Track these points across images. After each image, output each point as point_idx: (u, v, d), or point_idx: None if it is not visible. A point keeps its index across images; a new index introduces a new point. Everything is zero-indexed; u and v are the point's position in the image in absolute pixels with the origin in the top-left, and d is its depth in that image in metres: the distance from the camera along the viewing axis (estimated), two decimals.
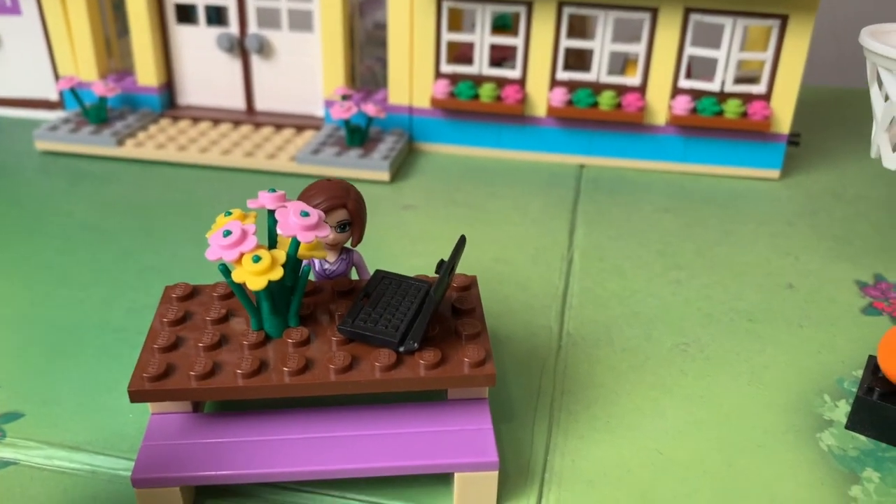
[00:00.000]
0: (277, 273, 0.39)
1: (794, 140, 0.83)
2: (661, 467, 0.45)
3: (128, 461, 0.45)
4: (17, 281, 0.61)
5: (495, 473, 0.41)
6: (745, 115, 0.80)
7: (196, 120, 0.89)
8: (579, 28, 0.87)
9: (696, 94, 0.81)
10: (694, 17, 0.77)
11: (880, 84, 0.54)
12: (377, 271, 0.46)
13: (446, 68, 0.83)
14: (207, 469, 0.40)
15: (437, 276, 0.46)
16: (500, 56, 0.88)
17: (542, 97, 0.83)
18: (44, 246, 0.66)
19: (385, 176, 0.79)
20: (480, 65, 0.83)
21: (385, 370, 0.41)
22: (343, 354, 0.41)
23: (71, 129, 0.84)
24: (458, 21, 0.87)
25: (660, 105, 0.82)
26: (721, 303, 0.61)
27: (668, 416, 0.49)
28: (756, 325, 0.58)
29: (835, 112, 1.03)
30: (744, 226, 0.73)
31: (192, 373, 0.40)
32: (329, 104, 0.86)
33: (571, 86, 0.82)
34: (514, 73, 0.83)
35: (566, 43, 0.80)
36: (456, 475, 0.41)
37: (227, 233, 0.39)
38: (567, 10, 0.79)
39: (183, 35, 0.89)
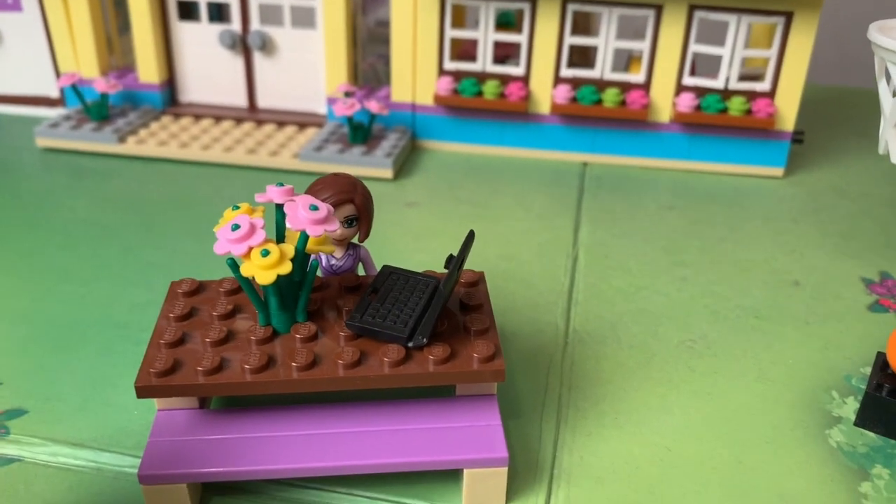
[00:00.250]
0: (286, 267, 0.39)
1: (798, 138, 0.82)
2: (669, 463, 0.45)
3: (133, 458, 0.44)
4: (20, 277, 0.61)
5: (505, 469, 0.41)
6: (749, 112, 0.79)
7: (198, 117, 0.89)
8: (583, 25, 0.87)
9: (701, 92, 0.81)
10: (698, 15, 0.77)
11: (888, 79, 0.54)
12: (385, 267, 0.46)
13: (450, 65, 0.83)
14: (214, 465, 0.40)
15: (444, 271, 0.46)
16: (504, 53, 0.87)
17: (545, 94, 0.83)
18: (46, 242, 0.66)
19: (388, 173, 0.79)
20: (484, 62, 0.82)
21: (394, 365, 0.40)
22: (351, 350, 0.41)
23: (72, 126, 0.84)
24: (461, 18, 0.87)
25: (664, 102, 0.81)
26: (727, 299, 0.61)
27: (676, 412, 0.49)
28: (762, 321, 0.58)
29: (838, 111, 1.03)
30: (749, 223, 0.73)
31: (199, 368, 0.40)
32: (332, 101, 0.85)
33: (575, 83, 0.82)
34: (517, 71, 0.82)
35: (570, 40, 0.80)
36: (465, 471, 0.41)
37: (236, 227, 0.39)
38: (571, 7, 0.78)
39: (185, 32, 0.88)
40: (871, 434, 0.47)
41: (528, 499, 0.42)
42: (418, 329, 0.41)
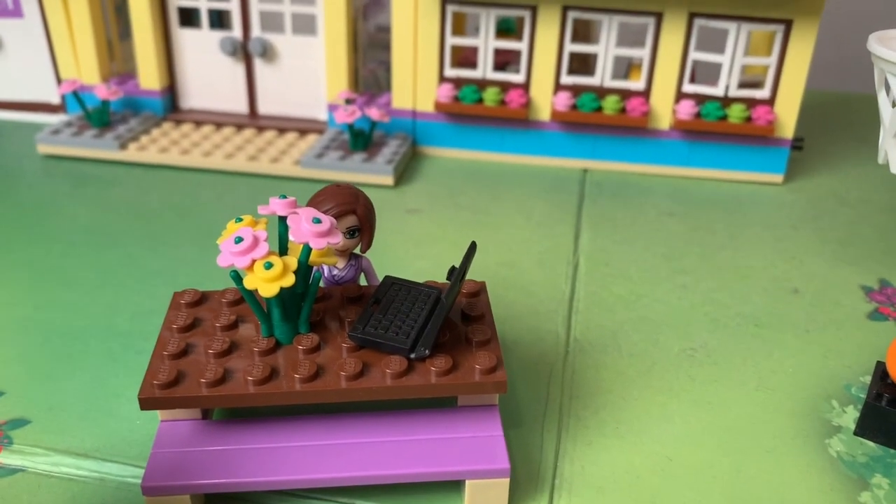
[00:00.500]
0: (289, 280, 0.39)
1: (797, 145, 0.83)
2: (670, 473, 0.45)
3: (136, 468, 0.44)
4: (21, 285, 0.61)
5: (506, 480, 0.41)
6: (749, 119, 0.80)
7: (199, 124, 0.89)
8: (583, 32, 0.87)
9: (701, 99, 0.81)
10: (698, 22, 0.77)
11: (888, 90, 0.55)
12: (387, 277, 0.46)
13: (450, 72, 0.83)
14: (217, 477, 0.40)
15: (446, 281, 0.46)
16: (504, 60, 0.88)
17: (546, 101, 0.83)
18: (47, 250, 0.66)
19: (389, 180, 0.79)
20: (484, 69, 0.83)
21: (396, 377, 0.41)
22: (354, 361, 0.41)
23: (73, 133, 0.84)
24: (461, 25, 0.87)
25: (664, 109, 0.82)
26: (727, 307, 0.61)
27: (677, 421, 0.49)
28: (762, 329, 0.58)
29: (837, 116, 1.03)
30: (748, 230, 0.73)
31: (202, 380, 0.40)
32: (333, 108, 0.86)
33: (575, 90, 0.82)
34: (518, 78, 0.83)
35: (570, 47, 0.80)
36: (467, 482, 0.41)
37: (239, 239, 0.39)
38: (571, 15, 0.79)
39: (186, 38, 0.88)
40: (871, 443, 0.47)
41: None
42: (420, 340, 0.42)
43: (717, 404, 0.51)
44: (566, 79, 0.82)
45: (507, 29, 0.92)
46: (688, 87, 0.81)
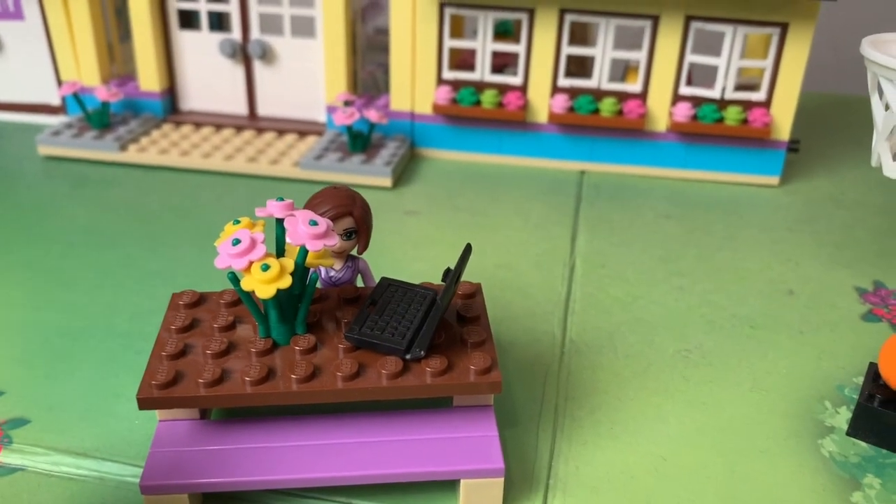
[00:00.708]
0: (286, 281, 0.39)
1: (793, 147, 0.83)
2: (664, 473, 0.45)
3: (135, 468, 0.45)
4: (21, 286, 0.62)
5: (501, 480, 0.41)
6: (745, 122, 0.80)
7: (198, 125, 0.89)
8: (580, 35, 0.87)
9: (697, 101, 0.81)
10: (695, 25, 0.78)
11: (881, 93, 0.55)
12: (383, 279, 0.46)
13: (448, 75, 0.84)
14: (215, 476, 0.41)
15: (442, 283, 0.47)
16: (502, 62, 0.88)
17: (543, 104, 0.83)
18: (47, 251, 0.67)
19: (387, 182, 0.79)
20: (482, 71, 0.83)
21: (392, 377, 0.41)
22: (350, 362, 0.42)
23: (73, 135, 0.84)
24: (459, 28, 0.88)
25: (661, 112, 0.82)
26: (723, 309, 0.61)
27: (671, 422, 0.49)
28: (757, 331, 0.59)
29: (833, 118, 1.04)
30: (744, 232, 0.74)
31: (200, 380, 0.40)
32: (331, 110, 0.86)
33: (573, 92, 0.83)
34: (515, 80, 0.83)
35: (567, 50, 0.81)
36: (462, 482, 0.41)
37: (237, 241, 0.40)
38: (569, 18, 0.79)
39: (185, 40, 0.89)
40: (863, 444, 0.48)
41: None
42: (416, 341, 0.42)
43: (712, 405, 0.51)
44: (563, 81, 0.82)
45: (504, 31, 0.92)
46: (684, 90, 0.81)
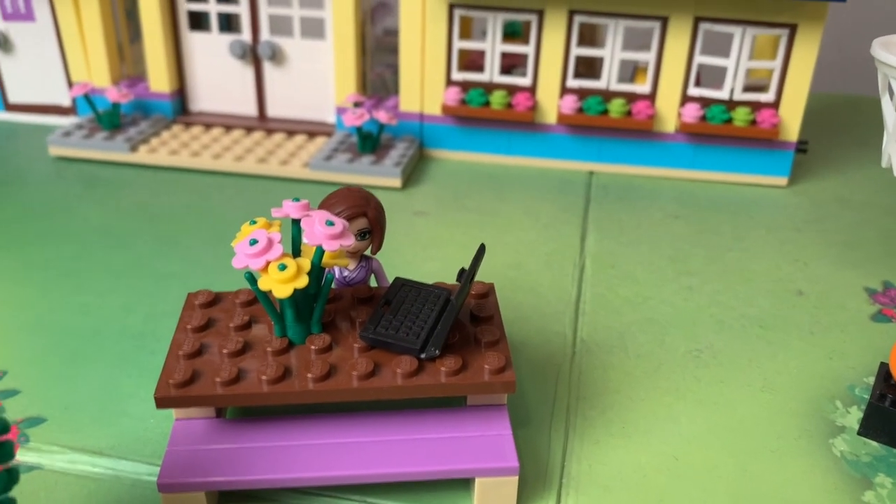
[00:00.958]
0: (303, 281, 0.40)
1: (801, 147, 0.83)
2: (676, 472, 0.46)
3: (150, 466, 0.45)
4: (36, 287, 0.62)
5: (515, 478, 0.42)
6: (753, 123, 0.80)
7: (208, 126, 0.90)
8: (589, 36, 0.88)
9: (706, 102, 0.81)
10: (703, 27, 0.78)
11: (891, 95, 0.55)
12: (396, 279, 0.47)
13: (457, 76, 0.84)
14: (231, 474, 0.41)
15: (455, 283, 0.47)
16: (511, 63, 0.88)
17: (552, 104, 0.84)
18: (60, 251, 0.67)
19: (397, 182, 0.80)
20: (491, 72, 0.83)
21: (407, 377, 0.41)
22: (365, 361, 0.42)
23: (84, 135, 0.85)
24: (468, 29, 0.88)
25: (669, 113, 0.82)
26: (732, 309, 0.61)
27: (683, 421, 0.50)
28: (767, 331, 0.59)
29: (841, 119, 1.04)
30: (753, 232, 0.74)
31: (217, 379, 0.41)
32: (341, 111, 0.86)
33: (582, 93, 0.83)
34: (524, 81, 0.83)
35: (576, 51, 0.81)
36: (476, 480, 0.42)
37: (254, 241, 0.40)
38: (578, 19, 0.79)
39: (195, 42, 0.89)
40: (874, 443, 0.48)
41: None
42: (430, 341, 0.42)
43: (723, 405, 0.51)
44: (572, 82, 0.83)
45: (513, 33, 0.92)
46: (693, 91, 0.81)
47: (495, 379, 0.42)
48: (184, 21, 0.88)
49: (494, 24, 0.81)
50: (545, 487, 0.44)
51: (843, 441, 0.48)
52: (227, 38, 0.88)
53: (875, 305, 0.62)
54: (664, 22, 0.78)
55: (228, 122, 0.90)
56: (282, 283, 0.40)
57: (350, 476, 0.41)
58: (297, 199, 0.43)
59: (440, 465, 0.41)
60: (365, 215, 0.47)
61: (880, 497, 0.44)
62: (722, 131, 0.81)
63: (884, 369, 0.50)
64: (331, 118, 0.90)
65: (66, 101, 0.94)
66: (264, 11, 0.86)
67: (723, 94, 0.81)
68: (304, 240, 0.41)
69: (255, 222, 0.42)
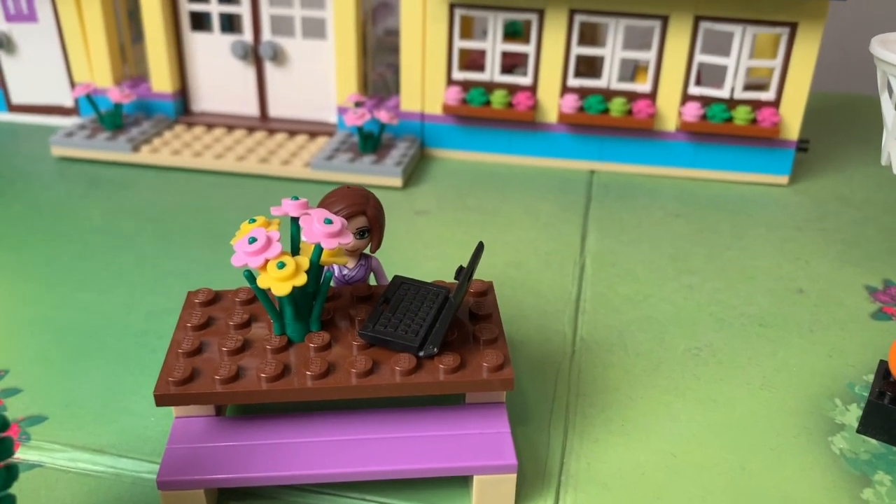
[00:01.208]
0: (301, 279, 0.40)
1: (802, 146, 0.83)
2: (675, 470, 0.46)
3: (150, 464, 0.45)
4: (38, 285, 0.62)
5: (514, 476, 0.42)
6: (754, 121, 0.80)
7: (210, 126, 0.90)
8: (590, 35, 0.88)
9: (706, 101, 0.82)
10: (704, 25, 0.78)
11: (891, 92, 0.55)
12: (395, 277, 0.47)
13: (458, 75, 0.84)
14: (231, 472, 0.41)
15: (454, 281, 0.47)
16: (512, 63, 0.88)
17: (553, 104, 0.84)
18: (62, 250, 0.67)
19: (398, 182, 0.80)
20: (492, 72, 0.84)
21: (405, 374, 0.42)
22: (364, 359, 0.42)
23: (87, 136, 0.85)
24: (469, 28, 0.88)
25: (670, 111, 0.82)
26: (732, 307, 0.61)
27: (682, 419, 0.50)
28: (767, 329, 0.59)
29: (841, 118, 1.04)
30: (754, 231, 0.74)
31: (216, 377, 0.41)
32: (342, 111, 0.87)
33: (582, 92, 0.83)
34: (525, 80, 0.84)
35: (577, 50, 0.81)
36: (475, 477, 0.42)
37: (253, 240, 0.40)
38: (578, 18, 0.79)
39: (197, 42, 0.90)
40: (874, 441, 0.48)
41: None
42: (429, 339, 0.42)
43: (722, 403, 0.51)
44: (573, 81, 0.83)
45: (514, 32, 0.93)
46: (693, 90, 0.81)
47: (494, 376, 0.42)
48: (186, 21, 0.89)
49: (495, 23, 0.81)
50: (544, 485, 0.44)
51: (842, 439, 0.48)
52: (229, 38, 0.88)
53: (875, 303, 0.62)
54: (665, 21, 0.78)
55: (230, 123, 0.90)
56: (280, 281, 0.40)
57: (349, 473, 0.41)
58: (297, 198, 0.43)
59: (439, 462, 0.42)
60: (364, 214, 0.47)
61: (879, 495, 0.44)
62: (722, 130, 0.81)
63: (883, 367, 0.50)
64: (332, 118, 0.90)
65: (68, 102, 0.94)
66: (266, 12, 0.86)
67: (723, 93, 0.81)
68: (303, 238, 0.41)
69: (254, 221, 0.42)
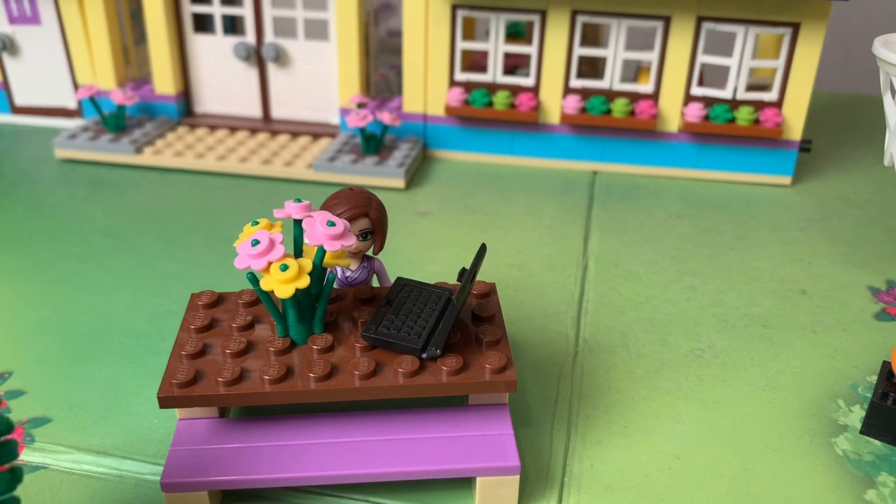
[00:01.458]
0: (304, 281, 0.40)
1: (805, 147, 0.83)
2: (678, 471, 0.46)
3: (154, 466, 0.45)
4: (41, 287, 0.62)
5: (517, 478, 0.42)
6: (757, 122, 0.80)
7: (213, 128, 0.90)
8: (592, 36, 0.88)
9: (709, 102, 0.81)
10: (706, 26, 0.78)
11: (894, 93, 0.55)
12: (398, 279, 0.47)
13: (460, 76, 0.84)
14: (234, 474, 0.41)
15: (457, 283, 0.47)
16: (514, 64, 0.88)
17: (555, 104, 0.84)
18: (65, 252, 0.67)
19: (400, 183, 0.80)
20: (494, 73, 0.84)
21: (408, 376, 0.42)
22: (367, 361, 0.42)
23: (90, 138, 0.85)
24: (471, 29, 0.88)
25: (672, 112, 0.82)
26: (735, 308, 0.61)
27: (685, 420, 0.50)
28: (770, 330, 0.59)
29: (845, 118, 1.04)
30: (756, 232, 0.74)
31: (220, 379, 0.41)
32: (345, 112, 0.87)
33: (585, 93, 0.83)
34: (527, 81, 0.84)
35: (579, 51, 0.81)
36: (478, 479, 0.42)
37: (256, 242, 0.40)
38: (580, 19, 0.79)
39: (200, 44, 0.90)
40: (877, 442, 0.48)
41: None
42: (432, 340, 0.42)
43: (725, 404, 0.51)
44: (575, 82, 0.83)
45: (516, 33, 0.93)
46: (696, 90, 0.81)
47: (496, 378, 0.42)
48: (188, 23, 0.89)
49: (497, 24, 0.81)
50: (547, 487, 0.44)
51: (845, 440, 0.48)
52: (232, 39, 0.89)
53: (879, 304, 0.62)
54: (667, 21, 0.78)
55: (233, 124, 0.90)
56: (283, 283, 0.40)
57: (352, 475, 0.41)
58: (299, 200, 0.43)
59: (442, 464, 0.42)
60: (367, 216, 0.47)
61: (882, 496, 0.44)
62: (725, 131, 0.81)
63: (886, 368, 0.50)
64: (335, 119, 0.90)
65: (71, 104, 0.94)
66: (268, 13, 0.86)
67: (726, 94, 0.81)
68: (306, 240, 0.41)
69: (257, 223, 0.42)
